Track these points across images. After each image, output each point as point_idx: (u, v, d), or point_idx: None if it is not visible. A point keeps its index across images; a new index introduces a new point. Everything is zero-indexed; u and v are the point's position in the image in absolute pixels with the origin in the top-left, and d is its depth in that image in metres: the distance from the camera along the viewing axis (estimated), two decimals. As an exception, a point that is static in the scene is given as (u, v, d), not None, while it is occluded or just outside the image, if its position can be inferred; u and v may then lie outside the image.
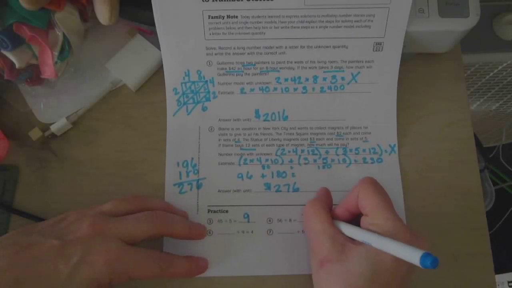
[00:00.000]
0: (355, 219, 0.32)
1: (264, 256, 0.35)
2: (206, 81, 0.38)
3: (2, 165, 0.37)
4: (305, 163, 0.37)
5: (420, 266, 0.25)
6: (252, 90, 0.38)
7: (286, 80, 0.38)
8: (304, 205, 0.36)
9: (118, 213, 0.32)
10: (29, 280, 0.27)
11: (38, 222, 0.31)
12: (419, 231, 0.30)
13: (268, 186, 0.37)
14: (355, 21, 0.35)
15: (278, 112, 0.38)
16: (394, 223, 0.29)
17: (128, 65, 0.39)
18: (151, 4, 0.34)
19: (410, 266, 0.26)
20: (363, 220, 0.31)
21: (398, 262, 0.27)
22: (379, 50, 0.37)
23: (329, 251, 0.30)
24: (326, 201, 0.34)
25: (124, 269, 0.29)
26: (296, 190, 0.36)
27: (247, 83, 0.38)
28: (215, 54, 0.37)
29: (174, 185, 0.36)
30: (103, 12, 0.35)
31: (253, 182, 0.37)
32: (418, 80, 0.40)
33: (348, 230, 0.31)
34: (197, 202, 0.36)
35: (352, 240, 0.30)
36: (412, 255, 0.25)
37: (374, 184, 0.31)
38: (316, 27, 0.35)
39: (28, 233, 0.29)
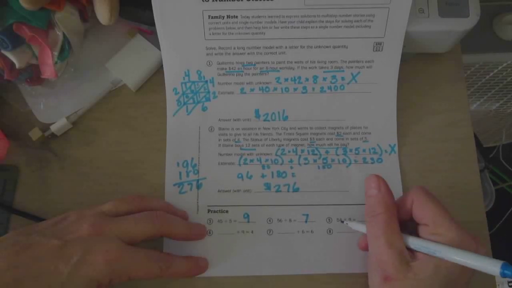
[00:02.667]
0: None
1: (264, 256, 0.35)
2: (206, 81, 0.38)
3: (2, 165, 0.37)
4: (305, 163, 0.37)
5: (500, 276, 0.24)
6: (252, 90, 0.38)
7: (286, 80, 0.38)
8: (305, 205, 0.36)
9: (118, 213, 0.32)
10: (29, 280, 0.27)
11: (38, 222, 0.31)
12: (475, 235, 0.29)
13: (268, 186, 0.37)
14: (355, 21, 0.35)
15: (278, 112, 0.38)
16: (457, 232, 0.28)
17: (128, 65, 0.39)
18: (151, 4, 0.34)
19: (473, 271, 0.26)
20: (423, 230, 0.30)
21: (465, 270, 0.27)
22: (379, 50, 0.37)
23: (396, 269, 0.28)
24: (394, 206, 0.31)
25: (124, 269, 0.29)
26: (296, 190, 0.36)
27: (247, 83, 0.38)
28: (215, 54, 0.37)
29: (174, 185, 0.36)
30: (103, 12, 0.35)
31: (253, 182, 0.37)
32: (418, 80, 0.40)
33: (416, 243, 0.29)
34: (197, 202, 0.36)
35: (411, 251, 0.29)
36: (491, 267, 0.25)
37: (428, 193, 0.30)
38: (316, 27, 0.35)
39: (28, 233, 0.29)
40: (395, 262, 0.28)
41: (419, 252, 0.29)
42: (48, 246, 0.28)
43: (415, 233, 0.30)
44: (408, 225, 0.31)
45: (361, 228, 0.33)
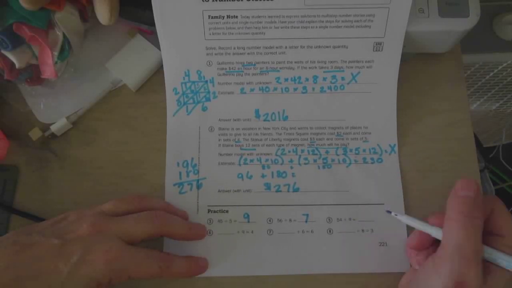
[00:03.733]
0: None
1: (264, 256, 0.35)
2: (206, 81, 0.38)
3: (2, 165, 0.37)
4: (305, 163, 0.37)
5: None
6: (252, 90, 0.38)
7: (286, 80, 0.38)
8: (305, 205, 0.36)
9: (118, 213, 0.32)
10: (29, 279, 0.27)
11: (38, 222, 0.31)
12: None
13: (268, 186, 0.37)
14: (355, 21, 0.35)
15: (278, 112, 0.38)
16: None
17: (128, 65, 0.39)
18: (151, 4, 0.34)
19: None
20: (497, 241, 0.29)
21: None
22: (379, 50, 0.37)
23: (475, 277, 0.27)
24: (482, 210, 0.29)
25: (124, 269, 0.29)
26: (296, 190, 0.36)
27: (247, 83, 0.38)
28: (215, 54, 0.37)
29: (174, 185, 0.36)
30: (103, 12, 0.35)
31: (253, 182, 0.37)
32: (418, 80, 0.40)
33: (493, 253, 0.28)
34: (197, 202, 0.36)
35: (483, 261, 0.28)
36: None
37: (505, 206, 0.30)
38: (316, 27, 0.35)
39: (28, 233, 0.29)
40: (478, 267, 0.27)
41: (491, 264, 0.28)
42: (48, 245, 0.28)
43: (489, 244, 0.29)
44: None
45: (419, 225, 0.31)
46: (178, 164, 0.37)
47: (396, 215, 0.33)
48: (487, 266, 0.28)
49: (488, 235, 0.29)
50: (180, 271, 0.32)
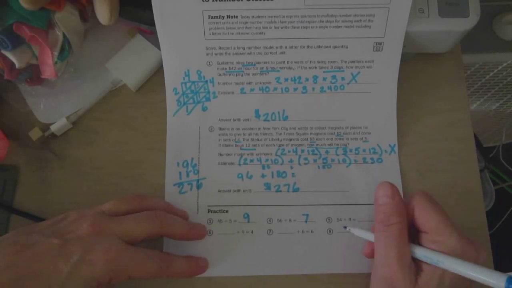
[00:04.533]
0: None
1: (264, 256, 0.35)
2: (206, 81, 0.38)
3: (2, 165, 0.37)
4: (305, 163, 0.37)
5: None
6: (252, 90, 0.38)
7: (286, 80, 0.38)
8: (305, 205, 0.36)
9: (118, 212, 0.32)
10: (29, 279, 0.27)
11: (38, 222, 0.31)
12: (473, 239, 0.28)
13: (268, 186, 0.37)
14: (355, 21, 0.35)
15: (278, 112, 0.38)
16: (459, 240, 0.28)
17: (128, 65, 0.39)
18: (151, 4, 0.34)
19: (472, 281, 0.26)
20: (423, 238, 0.29)
21: (469, 281, 0.27)
22: (379, 50, 0.37)
23: (403, 281, 0.28)
24: (405, 215, 0.30)
25: (124, 268, 0.29)
26: (296, 190, 0.36)
27: (247, 83, 0.38)
28: (215, 54, 0.37)
29: (174, 185, 0.36)
30: (103, 12, 0.35)
31: (253, 182, 0.37)
32: (418, 80, 0.40)
33: (420, 252, 0.29)
34: (197, 202, 0.36)
35: (414, 260, 0.29)
36: (496, 281, 0.24)
37: (430, 199, 0.30)
38: (316, 27, 0.35)
39: (28, 233, 0.29)
40: (405, 278, 0.28)
41: (422, 262, 0.28)
42: (47, 245, 0.28)
43: (417, 241, 0.30)
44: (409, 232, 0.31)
45: (367, 236, 0.32)
46: (178, 164, 0.37)
47: (349, 230, 0.34)
48: (418, 265, 0.29)
49: (419, 232, 0.30)
50: (180, 271, 0.32)
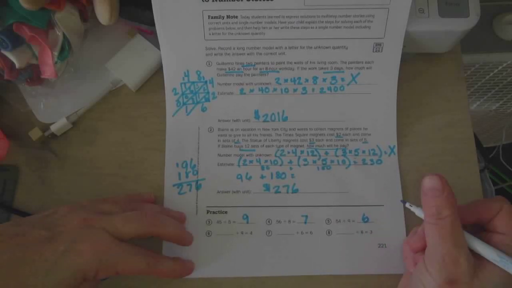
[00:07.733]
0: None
1: (263, 257, 0.35)
2: (206, 81, 0.38)
3: (2, 165, 0.37)
4: (304, 164, 0.37)
5: None
6: (251, 90, 0.38)
7: (285, 80, 0.38)
8: (304, 206, 0.36)
9: (111, 211, 0.32)
10: (14, 266, 0.27)
11: (29, 216, 0.31)
12: None
13: (267, 187, 0.37)
14: (355, 22, 0.35)
15: (278, 113, 0.38)
16: None
17: (128, 65, 0.39)
18: (151, 4, 0.34)
19: None
20: (496, 238, 0.29)
21: None
22: (379, 50, 0.37)
23: (465, 270, 0.27)
24: (456, 207, 0.29)
25: (111, 262, 0.28)
26: (295, 191, 0.36)
27: (247, 84, 0.38)
28: (215, 54, 0.37)
29: (174, 185, 0.36)
30: (103, 12, 0.35)
31: (253, 183, 0.37)
32: (418, 80, 0.40)
33: (488, 250, 0.28)
34: (196, 203, 0.36)
35: (476, 257, 0.29)
36: None
37: None
38: (316, 27, 0.35)
39: (17, 224, 0.29)
40: (464, 263, 0.27)
41: (484, 259, 0.28)
42: (36, 235, 0.28)
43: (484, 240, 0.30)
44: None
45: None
46: (177, 164, 0.37)
47: (410, 206, 0.33)
48: (481, 261, 0.29)
49: (487, 232, 0.30)
50: (167, 270, 0.32)
